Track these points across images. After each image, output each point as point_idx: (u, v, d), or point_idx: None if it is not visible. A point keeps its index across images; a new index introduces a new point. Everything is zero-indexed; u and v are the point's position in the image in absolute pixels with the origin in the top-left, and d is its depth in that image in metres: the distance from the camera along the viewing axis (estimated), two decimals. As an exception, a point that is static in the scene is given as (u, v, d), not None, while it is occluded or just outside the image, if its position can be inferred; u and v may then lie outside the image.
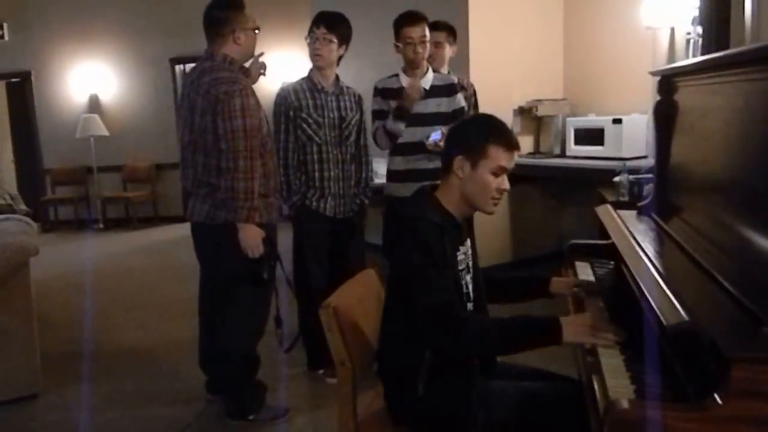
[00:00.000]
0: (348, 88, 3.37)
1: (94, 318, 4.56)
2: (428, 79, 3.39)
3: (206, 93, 2.64)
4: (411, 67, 3.37)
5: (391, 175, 3.49)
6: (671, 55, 4.37)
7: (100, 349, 3.99)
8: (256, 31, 2.80)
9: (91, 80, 8.81)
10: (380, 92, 3.44)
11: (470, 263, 1.93)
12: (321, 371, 3.33)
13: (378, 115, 3.43)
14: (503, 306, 2.09)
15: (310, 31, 3.21)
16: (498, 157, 1.77)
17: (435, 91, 3.39)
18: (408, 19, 3.29)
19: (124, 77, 8.85)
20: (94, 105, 8.87)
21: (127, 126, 8.79)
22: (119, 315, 4.73)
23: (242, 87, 2.65)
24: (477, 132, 1.80)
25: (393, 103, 3.32)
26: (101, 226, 8.75)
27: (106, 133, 8.50)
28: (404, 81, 3.37)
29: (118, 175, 8.86)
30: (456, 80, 3.54)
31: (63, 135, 8.69)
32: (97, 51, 8.73)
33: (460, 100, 3.47)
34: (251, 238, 2.68)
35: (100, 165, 8.70)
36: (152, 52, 8.57)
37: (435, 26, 3.65)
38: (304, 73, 3.32)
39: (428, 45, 3.33)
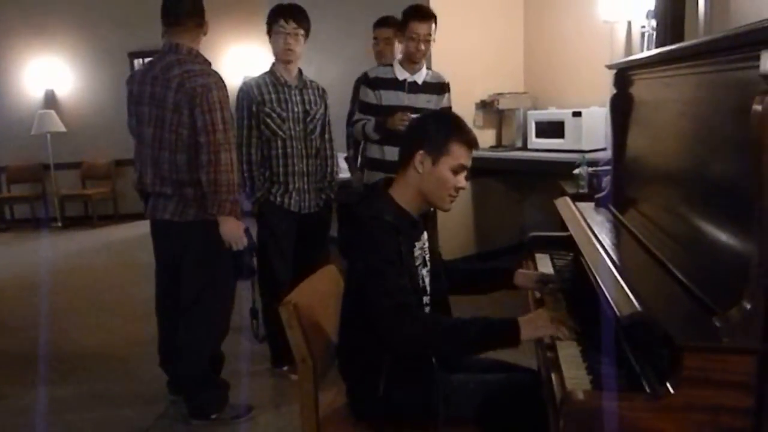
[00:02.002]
0: (311, 81, 3.35)
1: (52, 319, 4.46)
2: (422, 75, 3.46)
3: (179, 86, 2.59)
4: (410, 60, 3.41)
5: (372, 163, 3.50)
6: (628, 48, 4.43)
7: (59, 351, 3.90)
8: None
9: (46, 75, 8.58)
10: (371, 82, 3.45)
11: (427, 257, 1.93)
12: (285, 368, 3.30)
13: (365, 107, 3.45)
14: (465, 297, 2.10)
15: (276, 25, 3.16)
16: (459, 155, 1.78)
17: (427, 88, 3.46)
18: (418, 15, 3.32)
19: (81, 72, 8.64)
20: (51, 100, 8.65)
21: (85, 122, 8.58)
22: (78, 316, 4.63)
23: (217, 79, 2.64)
24: (441, 128, 1.80)
25: (382, 95, 3.37)
26: (59, 224, 8.54)
27: (63, 129, 8.29)
28: (399, 73, 3.43)
29: (76, 171, 8.65)
30: (446, 81, 3.58)
31: (18, 131, 8.44)
32: (53, 45, 8.50)
33: (448, 99, 3.54)
34: (234, 230, 2.67)
35: (58, 162, 8.48)
36: (110, 46, 8.39)
37: (386, 23, 3.71)
38: (265, 68, 3.29)
39: (431, 42, 3.37)
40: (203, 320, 2.79)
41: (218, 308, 2.81)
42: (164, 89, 2.62)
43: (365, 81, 3.48)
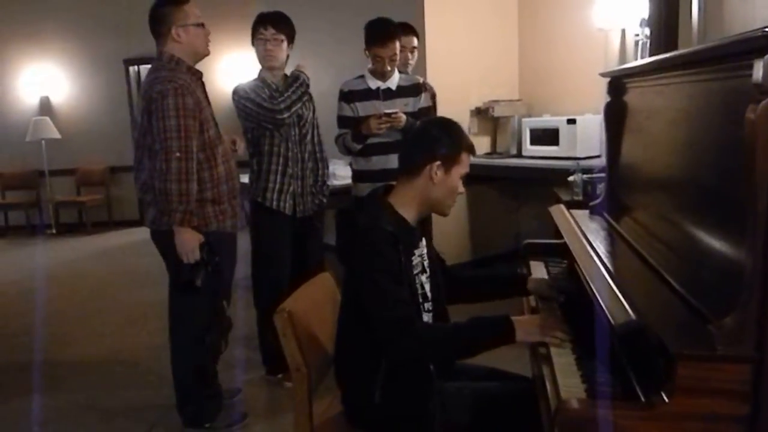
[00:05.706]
0: None
1: (46, 326, 4.43)
2: (395, 80, 3.44)
3: (145, 93, 2.59)
4: (380, 74, 3.40)
5: (359, 175, 3.49)
6: (622, 56, 4.45)
7: (52, 359, 3.87)
8: (200, 27, 2.65)
9: (41, 82, 8.57)
10: (345, 96, 3.44)
11: (426, 263, 1.93)
12: (279, 376, 3.29)
13: (343, 122, 3.45)
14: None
15: (256, 32, 3.16)
16: (467, 163, 1.84)
17: (402, 92, 3.44)
18: (379, 40, 3.27)
19: (76, 79, 8.63)
20: (45, 107, 8.63)
21: (80, 128, 8.56)
22: (73, 323, 4.60)
23: (178, 86, 2.52)
24: (453, 139, 1.82)
25: (359, 107, 3.36)
26: (54, 231, 8.51)
27: (57, 135, 8.27)
28: (371, 82, 3.42)
29: (70, 178, 8.63)
30: (421, 80, 3.57)
31: (13, 138, 8.42)
32: (48, 52, 8.49)
33: (427, 99, 3.51)
34: (187, 242, 2.56)
35: (52, 168, 8.45)
36: (105, 53, 8.37)
37: (408, 30, 3.68)
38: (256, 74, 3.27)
39: (398, 56, 3.35)
40: (186, 330, 2.76)
41: (200, 319, 2.75)
42: (140, 96, 2.62)
43: (341, 96, 3.46)
